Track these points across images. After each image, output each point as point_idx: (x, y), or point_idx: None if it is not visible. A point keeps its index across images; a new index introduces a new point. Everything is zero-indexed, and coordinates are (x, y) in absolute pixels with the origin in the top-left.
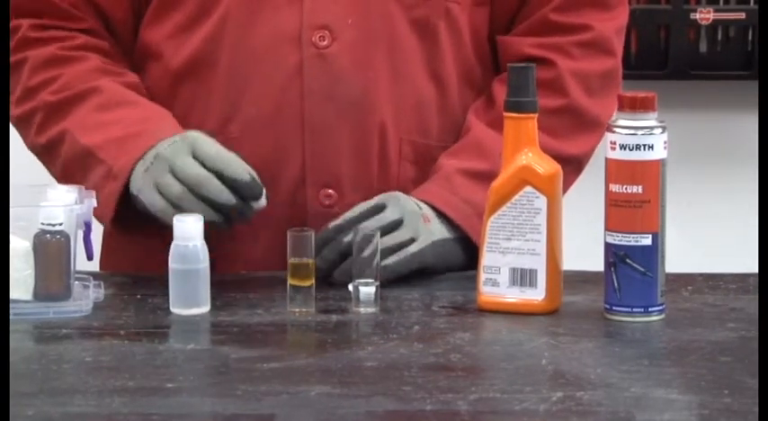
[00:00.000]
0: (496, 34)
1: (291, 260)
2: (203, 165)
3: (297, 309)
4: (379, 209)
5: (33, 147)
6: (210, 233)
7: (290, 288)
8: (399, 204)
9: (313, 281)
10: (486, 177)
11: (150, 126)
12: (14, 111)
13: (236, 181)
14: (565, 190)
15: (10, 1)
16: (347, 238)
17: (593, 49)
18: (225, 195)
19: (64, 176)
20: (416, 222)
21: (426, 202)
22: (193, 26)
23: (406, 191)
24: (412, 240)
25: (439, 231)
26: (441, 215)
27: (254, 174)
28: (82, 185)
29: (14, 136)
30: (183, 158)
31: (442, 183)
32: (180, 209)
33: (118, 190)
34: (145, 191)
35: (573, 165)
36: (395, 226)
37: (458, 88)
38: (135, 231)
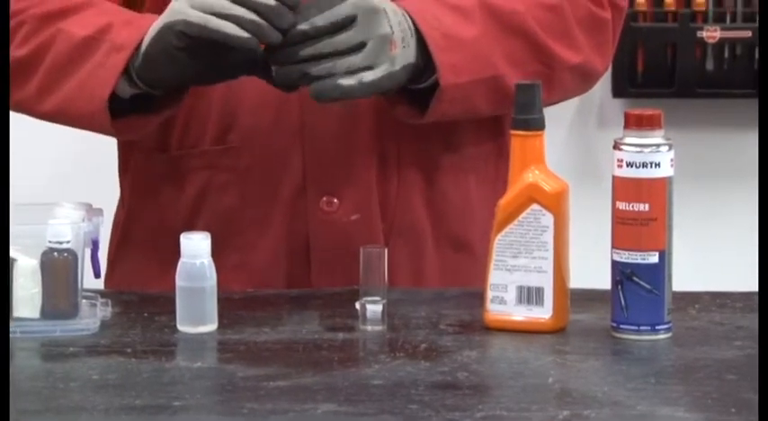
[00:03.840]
0: None
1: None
2: None
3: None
4: (349, 23)
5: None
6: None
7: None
8: (370, 24)
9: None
10: (458, 8)
11: (153, 15)
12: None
13: None
14: (528, 78)
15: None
16: (304, 52)
17: None
18: None
19: (45, 83)
20: (381, 49)
21: (403, 9)
22: None
23: (407, 195)
24: (367, 68)
25: (402, 57)
26: (415, 29)
27: None
28: (71, 80)
29: (18, 153)
30: None
31: (422, 3)
32: (226, 17)
33: (124, 60)
34: (180, 14)
35: (546, 63)
36: (356, 48)
37: None
38: (132, 127)
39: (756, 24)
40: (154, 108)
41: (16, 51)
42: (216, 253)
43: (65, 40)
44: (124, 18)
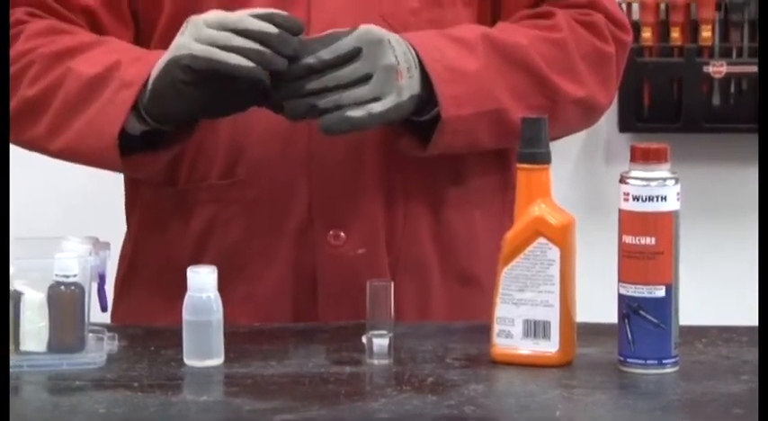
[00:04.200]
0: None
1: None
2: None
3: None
4: (355, 55)
5: (18, 106)
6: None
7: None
8: (376, 55)
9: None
10: (461, 41)
11: (161, 51)
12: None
13: (274, 14)
14: (532, 112)
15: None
16: (311, 85)
17: (587, 27)
18: (266, 26)
19: (55, 122)
20: (387, 80)
21: (407, 41)
22: None
23: (413, 228)
24: (374, 99)
25: (408, 88)
26: (418, 61)
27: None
28: (81, 118)
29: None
30: (216, 14)
31: (424, 33)
32: (230, 49)
33: (131, 97)
34: (187, 47)
35: (549, 96)
36: (363, 80)
37: None
38: (141, 165)
39: None
40: (163, 144)
41: (27, 90)
42: (222, 286)
43: (74, 78)
44: (132, 55)
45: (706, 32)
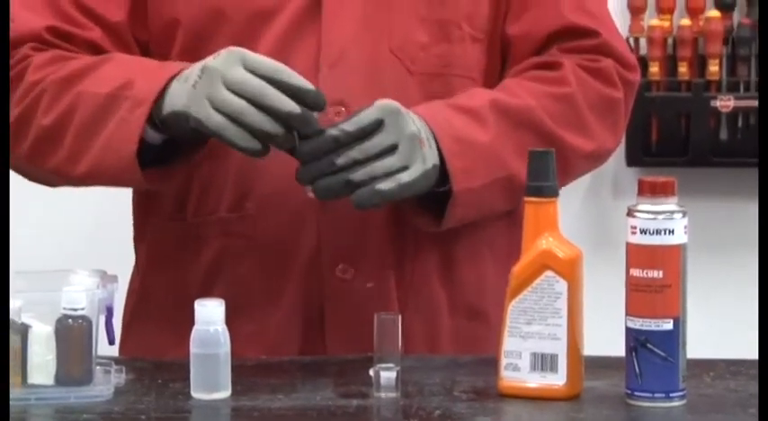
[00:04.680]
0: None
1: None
2: (256, 74)
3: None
4: (377, 126)
5: (35, 138)
6: (227, 311)
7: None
8: (398, 125)
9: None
10: (469, 111)
11: (170, 63)
12: (13, 113)
13: (299, 88)
14: (562, 181)
15: (11, 41)
16: (340, 160)
17: (595, 74)
18: (289, 104)
19: (75, 148)
20: (412, 148)
21: (420, 117)
22: None
23: (423, 262)
24: (404, 168)
25: (431, 157)
26: (433, 137)
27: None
28: (98, 140)
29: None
30: (236, 70)
31: (431, 105)
32: (241, 123)
33: (145, 113)
34: (196, 106)
35: (560, 155)
36: (389, 150)
37: None
38: (159, 179)
39: None
40: (183, 150)
41: (42, 120)
42: (230, 320)
43: (87, 101)
44: (143, 71)
45: (713, 67)
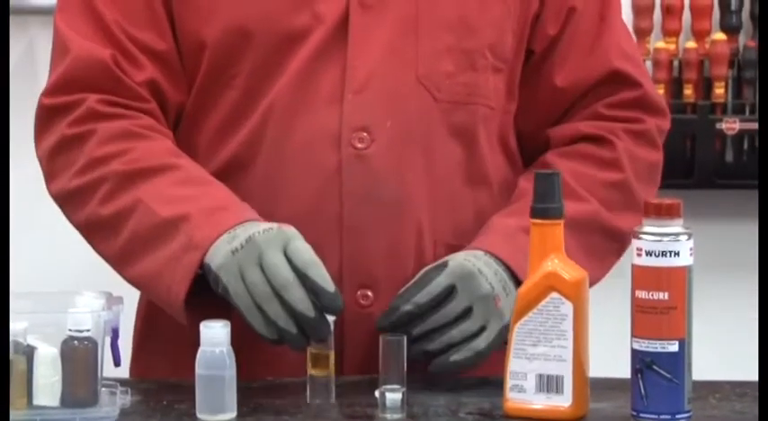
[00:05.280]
0: (542, 130)
1: (311, 350)
2: (291, 262)
3: (317, 401)
4: (448, 293)
5: (90, 219)
6: (239, 334)
7: (309, 378)
8: (471, 289)
9: (332, 371)
10: None
11: (234, 203)
12: (72, 182)
13: (321, 290)
14: (608, 270)
15: (72, 71)
16: (416, 331)
17: (643, 139)
18: (305, 305)
19: (127, 250)
20: (487, 309)
21: (495, 257)
22: (231, 130)
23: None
24: (481, 329)
25: (508, 307)
26: (510, 275)
27: (338, 290)
28: (148, 261)
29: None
30: (275, 253)
31: (508, 239)
32: (261, 310)
33: (197, 261)
34: (228, 275)
35: (619, 242)
36: (464, 314)
37: (492, 190)
38: (201, 319)
39: None
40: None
41: (98, 208)
42: (248, 345)
43: (144, 215)
44: (202, 204)
45: (719, 89)
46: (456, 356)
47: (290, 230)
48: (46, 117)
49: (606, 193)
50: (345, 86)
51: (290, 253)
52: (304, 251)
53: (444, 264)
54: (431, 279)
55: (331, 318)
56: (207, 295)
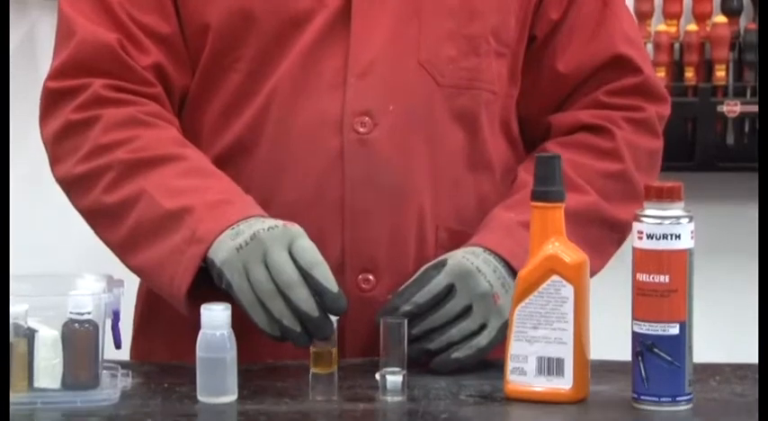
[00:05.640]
0: (544, 116)
1: (313, 348)
2: (296, 261)
3: (319, 397)
4: (448, 292)
5: (94, 207)
6: (242, 318)
7: (312, 376)
8: (469, 287)
9: (335, 368)
10: None
11: (238, 197)
12: (77, 168)
13: (325, 290)
14: (607, 260)
15: (77, 54)
16: (416, 331)
17: (643, 127)
18: (308, 305)
19: (130, 240)
20: (487, 307)
21: (494, 253)
22: (234, 114)
23: None
24: (481, 327)
25: (507, 303)
26: (509, 269)
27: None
28: (152, 251)
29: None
30: (280, 252)
31: (506, 233)
32: (265, 307)
33: (200, 254)
34: (232, 270)
35: (618, 233)
36: (463, 313)
37: (494, 176)
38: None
39: None
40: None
41: (103, 196)
42: (248, 332)
43: (149, 206)
44: (207, 197)
45: (720, 72)
46: (457, 353)
47: (295, 228)
48: (51, 101)
49: (605, 184)
50: (348, 71)
51: (295, 252)
52: (309, 250)
53: (443, 263)
54: (430, 278)
55: (334, 318)
56: (209, 287)
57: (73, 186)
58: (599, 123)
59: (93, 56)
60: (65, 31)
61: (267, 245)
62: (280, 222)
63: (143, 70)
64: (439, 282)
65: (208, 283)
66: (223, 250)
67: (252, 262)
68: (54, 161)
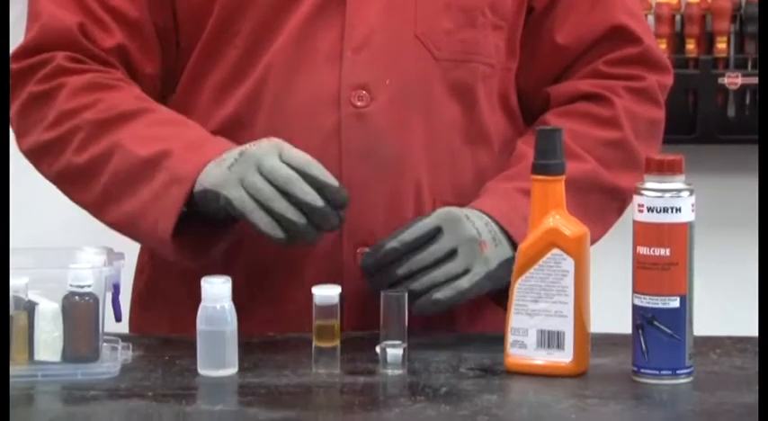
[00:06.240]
0: (542, 88)
1: (317, 322)
2: (289, 165)
3: (322, 371)
4: (435, 233)
5: (65, 169)
6: (242, 291)
7: (314, 349)
8: (456, 231)
9: (338, 342)
10: None
11: (215, 138)
12: (43, 135)
13: (325, 184)
14: (608, 228)
15: (39, 38)
16: (401, 271)
17: (643, 96)
18: (312, 196)
19: (106, 194)
20: (472, 252)
21: (488, 215)
22: (231, 89)
23: None
24: (465, 271)
25: (496, 256)
26: (502, 231)
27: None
28: (132, 201)
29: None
30: (272, 159)
31: (503, 198)
32: (269, 210)
33: (183, 195)
34: (228, 187)
35: (619, 201)
36: (448, 256)
37: (492, 149)
38: (190, 254)
39: None
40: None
41: (73, 157)
42: (249, 304)
43: (123, 156)
44: (182, 139)
45: (721, 44)
46: (438, 294)
47: (279, 140)
48: (14, 82)
49: (604, 152)
50: (344, 44)
51: (287, 157)
52: (300, 154)
53: (433, 210)
54: (418, 221)
55: (337, 292)
56: (194, 232)
57: (41, 154)
58: (598, 92)
59: (54, 38)
60: (32, 14)
61: (257, 155)
62: (264, 138)
63: (104, 52)
64: (426, 223)
65: (193, 232)
66: (214, 176)
67: (246, 173)
68: (19, 135)
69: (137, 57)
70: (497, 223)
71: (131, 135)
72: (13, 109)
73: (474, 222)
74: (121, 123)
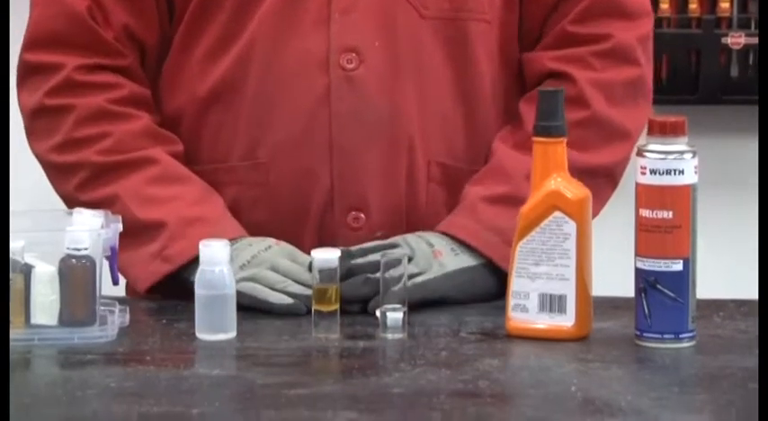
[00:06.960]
0: (523, 52)
1: (317, 286)
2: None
3: (322, 335)
4: (390, 246)
5: (70, 199)
6: None
7: (314, 313)
8: (410, 244)
9: (338, 306)
10: (510, 200)
11: (210, 209)
12: (51, 156)
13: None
14: (602, 204)
15: (49, 24)
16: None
17: (612, 59)
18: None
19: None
20: (426, 258)
21: (448, 235)
22: (220, 52)
23: (434, 213)
24: (419, 274)
25: (454, 262)
26: (463, 245)
27: None
28: (125, 252)
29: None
30: (287, 262)
31: (467, 213)
32: (272, 288)
33: (167, 272)
34: (240, 284)
35: (604, 177)
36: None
37: (487, 110)
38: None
39: None
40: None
41: (77, 193)
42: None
43: (120, 211)
44: (180, 214)
45: (724, 3)
46: (394, 288)
47: (291, 247)
48: (27, 72)
49: (576, 133)
50: (332, 6)
51: (300, 260)
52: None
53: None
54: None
55: (337, 255)
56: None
57: (48, 171)
58: (561, 70)
59: (66, 28)
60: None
61: (271, 259)
62: (272, 240)
63: (114, 41)
64: (385, 241)
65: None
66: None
67: (258, 272)
68: (29, 134)
69: (141, 33)
70: (454, 237)
71: (131, 190)
72: (26, 103)
73: (428, 239)
74: (123, 173)
